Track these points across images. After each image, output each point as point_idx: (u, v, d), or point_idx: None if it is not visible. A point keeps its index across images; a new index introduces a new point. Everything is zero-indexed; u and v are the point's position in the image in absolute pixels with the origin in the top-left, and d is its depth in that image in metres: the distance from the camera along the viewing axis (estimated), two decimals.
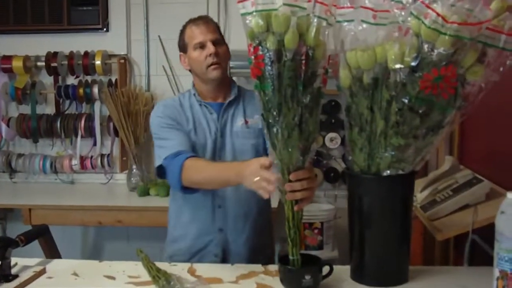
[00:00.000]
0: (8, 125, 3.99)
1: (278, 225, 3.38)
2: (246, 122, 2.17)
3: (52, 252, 3.49)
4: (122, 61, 3.89)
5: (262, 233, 2.25)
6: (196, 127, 2.16)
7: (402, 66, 1.40)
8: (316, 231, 3.42)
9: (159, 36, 3.88)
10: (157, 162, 2.12)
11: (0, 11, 3.99)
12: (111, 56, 3.92)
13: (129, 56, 3.97)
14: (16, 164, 4.03)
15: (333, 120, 3.68)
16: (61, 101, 3.99)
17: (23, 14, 3.98)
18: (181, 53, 2.20)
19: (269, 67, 1.50)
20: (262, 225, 2.25)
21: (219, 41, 2.12)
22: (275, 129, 1.56)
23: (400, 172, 1.56)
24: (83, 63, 3.84)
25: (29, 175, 4.10)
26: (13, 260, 1.86)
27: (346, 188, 3.54)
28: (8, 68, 3.93)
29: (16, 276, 1.81)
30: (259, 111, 2.10)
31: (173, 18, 3.87)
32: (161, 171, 2.12)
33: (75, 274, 1.91)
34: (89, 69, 3.85)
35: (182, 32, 2.18)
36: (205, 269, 1.93)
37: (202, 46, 2.09)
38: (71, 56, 3.86)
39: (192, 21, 2.16)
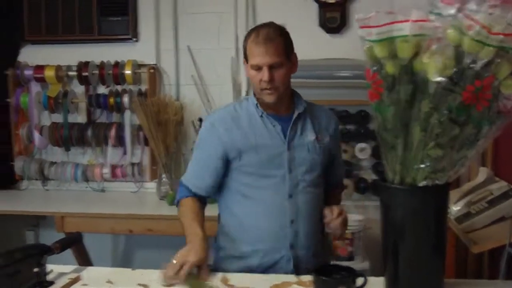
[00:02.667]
0: (41, 134, 4.05)
1: None
2: (318, 138, 2.13)
3: (84, 259, 3.53)
4: (152, 70, 3.93)
5: (323, 250, 2.22)
6: (258, 142, 2.09)
7: (443, 78, 1.39)
8: (346, 241, 3.39)
9: (188, 46, 3.90)
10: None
11: (33, 23, 4.04)
12: (141, 65, 3.95)
13: (158, 65, 3.99)
14: (48, 172, 4.08)
15: (362, 130, 3.66)
16: (92, 110, 4.04)
17: (54, 25, 4.02)
18: (244, 59, 2.11)
19: (388, 91, 1.51)
20: (323, 242, 2.23)
21: (278, 64, 2.00)
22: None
23: (436, 183, 1.55)
24: (113, 72, 3.88)
25: (61, 183, 4.14)
26: (49, 267, 1.89)
27: (376, 198, 3.54)
28: (41, 78, 3.99)
29: (51, 283, 1.84)
30: (326, 128, 2.17)
31: (201, 28, 3.93)
32: None
33: (109, 281, 1.93)
34: (119, 78, 3.89)
35: (246, 38, 2.07)
36: (239, 279, 1.93)
37: (258, 68, 2.01)
38: (101, 66, 3.90)
39: (255, 32, 2.03)
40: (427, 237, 1.61)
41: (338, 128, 2.25)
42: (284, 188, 2.09)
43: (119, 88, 3.97)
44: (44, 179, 4.14)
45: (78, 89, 4.06)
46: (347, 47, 3.63)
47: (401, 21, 1.44)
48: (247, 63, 2.07)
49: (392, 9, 1.45)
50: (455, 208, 2.39)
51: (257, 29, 2.05)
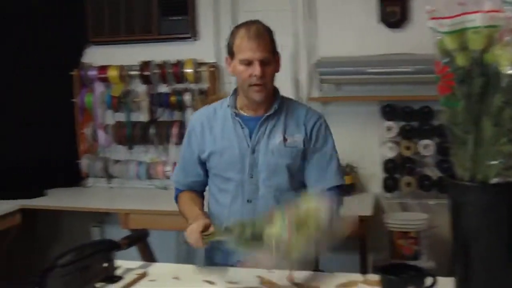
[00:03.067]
0: (105, 132, 4.14)
1: (372, 235, 3.37)
2: (285, 140, 2.08)
3: (148, 255, 3.59)
4: (212, 69, 3.96)
5: None
6: (222, 146, 2.12)
7: None
8: (411, 240, 3.31)
9: None
10: None
11: (96, 25, 4.16)
12: (201, 64, 3.98)
13: (218, 64, 4.01)
14: (112, 169, 4.18)
15: (426, 127, 3.57)
16: (154, 108, 4.10)
17: (117, 26, 4.12)
18: (228, 56, 2.10)
19: (459, 85, 1.46)
20: None
21: (268, 60, 2.02)
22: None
23: (509, 180, 1.49)
24: (174, 71, 3.93)
25: (124, 181, 4.24)
26: (118, 263, 1.93)
27: (441, 196, 3.46)
28: (104, 78, 4.09)
29: (120, 278, 1.87)
30: (301, 129, 2.10)
31: None
32: None
33: (175, 277, 1.96)
34: (180, 77, 3.94)
35: (233, 34, 2.06)
36: (304, 277, 1.92)
37: (248, 63, 2.00)
38: (162, 65, 3.97)
39: (245, 28, 2.03)
40: (501, 237, 1.55)
41: (321, 127, 2.15)
42: (243, 193, 2.10)
43: (180, 86, 4.01)
44: (109, 176, 4.24)
45: (140, 88, 4.13)
46: (408, 41, 3.56)
47: (473, 12, 1.39)
48: (231, 59, 2.07)
49: (463, 0, 1.41)
50: None
51: (245, 25, 2.06)
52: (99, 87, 4.15)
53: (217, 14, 3.98)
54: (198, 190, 2.30)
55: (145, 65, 3.99)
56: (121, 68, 4.07)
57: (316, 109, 3.66)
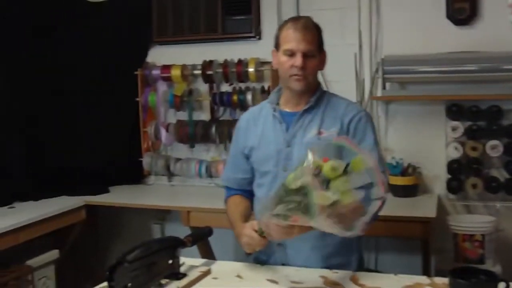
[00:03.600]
0: (167, 131, 4.20)
1: (436, 237, 3.29)
2: (319, 133, 2.07)
3: (208, 253, 3.62)
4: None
5: (328, 255, 2.10)
6: (261, 141, 2.17)
7: None
8: (476, 243, 3.22)
9: None
10: None
11: (160, 25, 4.22)
12: (263, 63, 3.97)
13: None
14: (174, 168, 4.22)
15: (494, 127, 3.46)
16: (216, 107, 4.12)
17: (180, 26, 4.17)
18: (274, 49, 2.15)
19: None
20: (329, 247, 2.09)
21: (312, 53, 2.03)
22: None
23: None
24: (237, 70, 3.94)
25: (185, 179, 4.28)
26: (182, 260, 1.94)
27: (510, 199, 3.35)
28: (168, 77, 4.14)
29: (184, 275, 1.88)
30: (338, 123, 2.07)
31: (323, 24, 3.84)
32: None
33: (238, 276, 1.96)
34: (242, 76, 3.95)
35: (280, 28, 2.11)
36: (369, 278, 1.89)
37: (291, 54, 2.02)
38: (225, 64, 3.98)
39: (293, 21, 2.08)
40: None
41: (360, 121, 2.10)
42: (276, 186, 2.04)
43: (242, 86, 4.02)
44: (170, 174, 4.29)
45: (203, 87, 4.17)
46: (477, 39, 3.46)
47: None
48: (277, 51, 2.10)
49: None
50: None
51: (294, 18, 2.12)
52: (162, 86, 4.20)
53: (280, 13, 3.95)
54: (247, 188, 2.31)
55: (208, 64, 4.02)
56: (184, 67, 4.11)
57: (378, 108, 3.72)
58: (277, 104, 2.17)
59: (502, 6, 3.32)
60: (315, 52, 2.05)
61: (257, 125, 2.21)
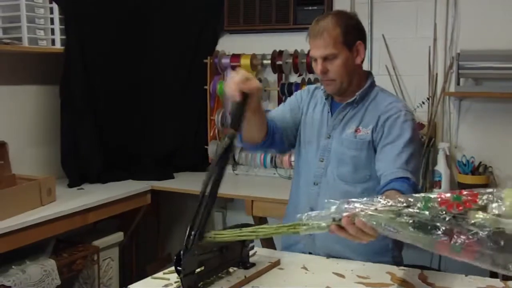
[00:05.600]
0: None
1: None
2: (357, 130, 2.04)
3: (269, 243, 3.61)
4: None
5: (360, 254, 2.05)
6: (307, 123, 2.16)
7: None
8: None
9: (383, 35, 3.80)
10: None
11: (232, 13, 4.23)
12: None
13: None
14: (239, 157, 4.24)
15: None
16: (284, 98, 4.09)
17: (252, 15, 4.16)
18: None
19: None
20: (360, 247, 1.95)
21: (333, 55, 1.99)
22: None
23: None
24: (306, 61, 3.91)
25: (250, 168, 4.29)
26: (253, 249, 1.94)
27: None
28: (237, 66, 4.13)
29: (253, 264, 1.88)
30: (374, 121, 2.04)
31: (398, 16, 3.79)
32: None
33: (304, 268, 1.95)
34: (312, 67, 3.90)
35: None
36: (438, 277, 1.85)
37: (316, 60, 2.03)
38: (295, 55, 3.95)
39: (315, 24, 2.05)
40: None
41: (397, 119, 2.02)
42: (310, 175, 2.11)
43: (311, 77, 3.99)
44: (235, 163, 4.31)
45: (271, 77, 4.16)
46: None
47: None
48: None
49: None
50: None
51: (316, 20, 2.05)
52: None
53: (353, 4, 3.89)
54: (275, 126, 2.17)
55: (278, 54, 4.00)
56: (254, 56, 4.11)
57: (450, 104, 3.61)
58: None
59: None
60: (336, 52, 2.00)
61: (310, 106, 2.21)
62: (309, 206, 2.10)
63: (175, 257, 1.59)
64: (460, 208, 1.35)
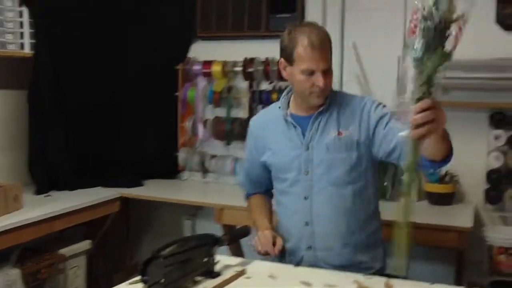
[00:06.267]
0: (204, 127, 4.20)
1: (471, 248, 3.21)
2: (339, 133, 2.05)
3: (237, 252, 3.61)
4: None
5: (358, 251, 2.12)
6: (277, 147, 2.15)
7: None
8: None
9: (353, 43, 3.82)
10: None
11: (204, 20, 4.21)
12: None
13: None
14: (209, 164, 4.22)
15: None
16: (254, 105, 4.09)
17: (224, 21, 4.15)
18: (282, 59, 2.07)
19: None
20: (358, 242, 2.11)
21: (329, 68, 2.01)
22: None
23: None
24: (278, 69, 3.90)
25: (220, 176, 4.26)
26: (217, 258, 1.93)
27: None
28: (208, 73, 4.14)
29: (218, 274, 1.87)
30: (356, 119, 2.05)
31: (368, 25, 3.82)
32: None
33: (271, 276, 1.94)
34: (283, 75, 3.91)
35: (292, 39, 2.00)
36: (403, 285, 1.87)
37: (311, 73, 1.97)
38: (267, 62, 3.96)
39: (308, 36, 1.96)
40: None
41: (373, 103, 2.06)
42: (300, 190, 2.10)
43: (282, 84, 3.99)
44: (204, 171, 4.28)
45: (242, 84, 4.15)
46: None
47: None
48: (289, 65, 2.03)
49: None
50: None
51: (307, 31, 1.99)
52: (202, 82, 4.21)
53: (325, 12, 3.91)
54: (264, 191, 2.37)
55: (249, 61, 4.01)
56: (225, 63, 4.10)
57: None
58: (287, 108, 2.16)
59: None
60: (331, 65, 2.04)
61: (267, 130, 2.21)
62: (304, 221, 2.12)
63: (140, 267, 1.58)
64: None
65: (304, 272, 2.01)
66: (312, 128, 2.09)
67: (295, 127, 2.11)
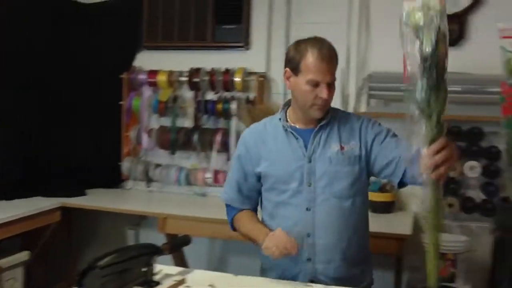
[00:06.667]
0: (149, 136, 4.17)
1: (409, 255, 3.29)
2: (341, 148, 2.07)
3: (181, 261, 3.59)
4: (261, 78, 3.95)
5: (354, 264, 2.14)
6: (277, 158, 2.13)
7: None
8: (448, 262, 3.24)
9: None
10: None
11: (150, 29, 4.20)
12: (250, 73, 3.98)
13: (268, 74, 4.01)
14: (153, 173, 4.20)
15: (474, 148, 3.49)
16: (199, 115, 4.11)
17: (171, 32, 4.16)
18: (288, 69, 2.07)
19: None
20: (355, 255, 2.14)
21: (333, 81, 2.03)
22: None
23: None
24: (223, 79, 3.94)
25: (164, 185, 4.25)
26: (158, 268, 1.92)
27: (483, 219, 3.37)
28: (153, 82, 4.13)
29: (157, 283, 1.86)
30: (356, 136, 2.09)
31: None
32: None
33: (211, 285, 1.94)
34: (228, 85, 3.95)
35: (301, 50, 2.02)
36: None
37: (316, 84, 1.99)
38: (212, 73, 3.98)
39: (318, 48, 1.99)
40: None
41: (369, 121, 2.13)
42: (302, 201, 2.09)
43: (227, 95, 4.02)
44: (149, 180, 4.26)
45: (188, 94, 4.15)
46: (463, 60, 3.47)
47: None
48: (294, 75, 2.04)
49: None
50: None
51: (317, 44, 2.02)
52: (147, 91, 4.19)
53: (270, 25, 3.97)
54: (252, 207, 2.29)
55: (195, 71, 4.02)
56: (171, 73, 4.10)
57: None
58: (286, 120, 2.16)
59: (490, 29, 3.35)
60: (335, 78, 2.04)
61: (266, 142, 2.17)
62: (305, 232, 2.09)
63: (77, 278, 1.56)
64: None
65: (243, 281, 2.02)
66: (314, 141, 2.09)
67: (296, 138, 2.11)
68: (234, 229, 2.31)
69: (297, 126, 2.14)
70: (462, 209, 3.55)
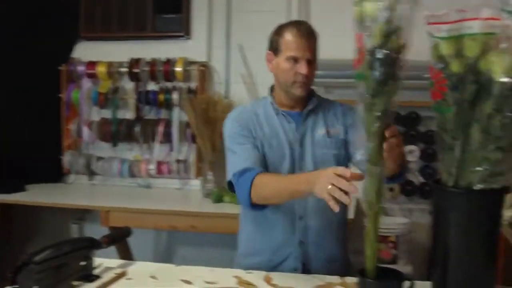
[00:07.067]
0: (90, 129, 4.11)
1: (353, 238, 3.35)
2: (327, 132, 2.10)
3: (126, 254, 3.56)
4: (203, 68, 3.94)
5: (340, 245, 2.20)
6: (273, 138, 2.11)
7: (509, 79, 1.34)
8: (390, 244, 3.33)
9: (239, 44, 3.88)
10: (228, 176, 2.07)
11: (87, 19, 4.13)
12: (191, 63, 3.97)
13: (209, 63, 4.01)
14: (95, 166, 4.15)
15: (412, 132, 3.58)
16: (141, 106, 4.07)
17: (109, 22, 4.10)
18: (270, 52, 2.10)
19: (452, 91, 1.46)
20: (340, 237, 2.20)
21: (314, 59, 2.04)
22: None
23: (492, 186, 1.49)
24: (164, 69, 3.91)
25: (107, 178, 4.21)
26: (98, 261, 1.90)
27: (422, 202, 3.47)
28: (93, 74, 4.07)
29: (97, 277, 1.84)
30: (340, 121, 2.11)
31: (253, 26, 3.90)
32: (231, 186, 2.07)
33: (153, 277, 1.93)
34: (170, 75, 3.93)
35: (280, 32, 2.05)
36: (282, 279, 1.91)
37: (295, 60, 2.01)
38: (153, 63, 3.94)
39: (296, 26, 2.03)
40: (480, 242, 1.55)
41: (348, 108, 2.16)
42: None
43: (169, 85, 3.99)
44: (91, 173, 4.21)
45: (128, 85, 4.11)
46: None
47: (471, 19, 1.39)
48: (275, 55, 2.06)
49: (464, 8, 1.41)
50: (508, 214, 2.32)
51: (296, 23, 2.08)
52: (86, 83, 4.12)
53: (211, 13, 3.97)
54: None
55: (135, 62, 3.97)
56: (110, 64, 4.04)
57: None
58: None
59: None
60: (315, 57, 2.05)
61: (261, 121, 2.14)
62: (298, 215, 2.08)
63: (10, 275, 1.52)
64: None
65: (184, 271, 2.01)
66: (304, 124, 2.10)
67: (289, 122, 2.11)
68: (252, 203, 1.98)
69: (285, 109, 2.13)
70: (402, 192, 3.66)
